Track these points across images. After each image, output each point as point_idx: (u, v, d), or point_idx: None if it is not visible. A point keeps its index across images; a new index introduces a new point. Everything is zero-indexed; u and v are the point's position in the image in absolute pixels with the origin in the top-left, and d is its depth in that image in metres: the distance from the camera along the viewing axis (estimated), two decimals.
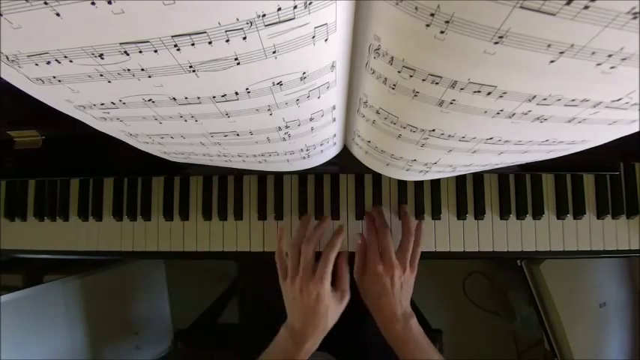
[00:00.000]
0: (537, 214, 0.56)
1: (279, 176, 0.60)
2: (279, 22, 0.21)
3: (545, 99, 0.26)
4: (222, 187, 0.60)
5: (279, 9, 0.20)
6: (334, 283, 0.52)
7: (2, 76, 0.25)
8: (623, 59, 0.21)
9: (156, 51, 0.22)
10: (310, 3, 0.21)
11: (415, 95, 0.28)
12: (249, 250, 0.59)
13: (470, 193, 0.58)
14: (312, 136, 0.37)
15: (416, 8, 0.21)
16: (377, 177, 0.58)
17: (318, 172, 0.57)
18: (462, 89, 0.26)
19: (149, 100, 0.28)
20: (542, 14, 0.19)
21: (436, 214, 0.57)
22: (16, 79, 0.26)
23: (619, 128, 0.30)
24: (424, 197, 0.58)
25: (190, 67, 0.24)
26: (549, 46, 0.21)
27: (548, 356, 0.93)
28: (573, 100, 0.26)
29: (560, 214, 0.56)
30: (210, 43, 0.22)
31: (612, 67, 0.22)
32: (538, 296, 0.91)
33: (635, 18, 0.18)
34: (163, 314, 1.27)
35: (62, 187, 0.63)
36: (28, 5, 0.19)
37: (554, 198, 0.57)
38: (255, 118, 0.31)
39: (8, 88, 0.26)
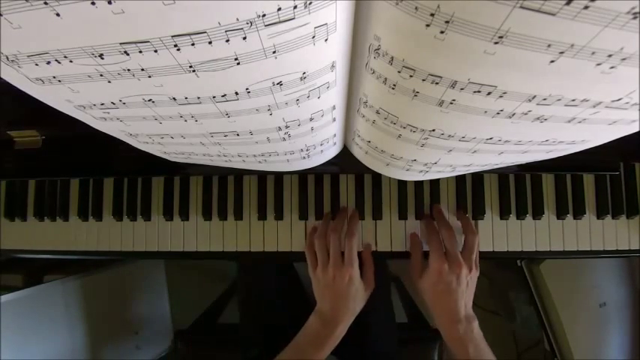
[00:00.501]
0: (537, 214, 0.56)
1: (279, 176, 0.60)
2: (279, 22, 0.21)
3: (545, 99, 0.26)
4: (222, 187, 0.60)
5: (279, 9, 0.20)
6: (361, 274, 0.55)
7: (2, 76, 0.25)
8: (623, 59, 0.21)
9: (156, 51, 0.22)
10: (310, 3, 0.21)
11: (415, 95, 0.28)
12: (249, 250, 0.59)
13: (470, 193, 0.58)
14: (312, 136, 0.37)
15: (416, 8, 0.21)
16: (377, 177, 0.58)
17: (318, 172, 0.57)
18: (462, 89, 0.26)
19: (149, 100, 0.28)
20: (542, 14, 0.19)
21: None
22: (16, 79, 0.26)
23: (619, 128, 0.30)
24: (424, 197, 0.58)
25: (190, 67, 0.24)
26: (549, 46, 0.21)
27: (548, 356, 0.93)
28: (573, 100, 0.26)
29: (560, 214, 0.56)
30: (210, 43, 0.22)
31: (612, 67, 0.22)
32: (538, 296, 0.91)
33: (635, 18, 0.18)
34: (163, 314, 1.28)
35: (62, 187, 0.63)
36: (28, 5, 0.19)
37: (554, 198, 0.57)
38: (255, 118, 0.31)
39: (8, 88, 0.26)
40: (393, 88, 0.28)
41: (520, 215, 0.57)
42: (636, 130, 0.30)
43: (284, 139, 0.36)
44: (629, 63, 0.21)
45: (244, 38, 0.22)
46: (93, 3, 0.19)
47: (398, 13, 0.22)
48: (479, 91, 0.26)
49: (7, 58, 0.23)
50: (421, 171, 0.42)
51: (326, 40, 0.24)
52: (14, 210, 0.64)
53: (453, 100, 0.27)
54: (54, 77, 0.25)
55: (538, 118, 0.28)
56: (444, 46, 0.22)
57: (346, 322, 0.53)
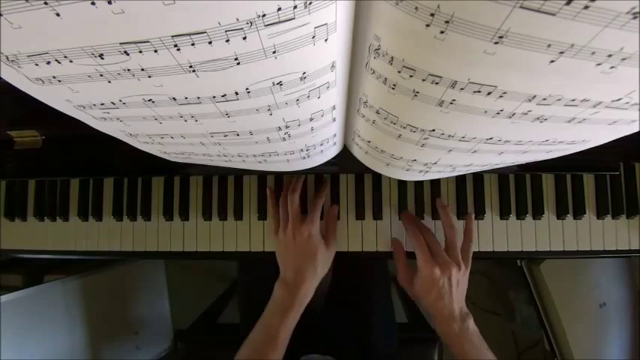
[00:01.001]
0: (537, 214, 0.56)
1: (279, 176, 0.60)
2: (279, 22, 0.21)
3: (545, 99, 0.26)
4: (222, 187, 0.60)
5: (279, 9, 0.20)
6: (323, 234, 0.55)
7: (2, 76, 0.25)
8: (623, 59, 0.21)
9: (156, 51, 0.22)
10: (310, 3, 0.21)
11: (415, 95, 0.28)
12: (249, 250, 0.59)
13: (470, 193, 0.58)
14: (312, 136, 0.37)
15: (416, 8, 0.21)
16: (377, 177, 0.58)
17: (318, 172, 0.57)
18: (462, 89, 0.26)
19: (149, 100, 0.28)
20: (542, 14, 0.19)
21: (436, 214, 0.57)
22: (16, 79, 0.26)
23: (619, 128, 0.30)
24: (424, 197, 0.58)
25: (190, 67, 0.24)
26: (549, 46, 0.21)
27: (548, 356, 0.93)
28: (573, 100, 0.26)
29: (560, 214, 0.56)
30: (210, 43, 0.22)
31: (612, 67, 0.22)
32: (538, 296, 0.91)
33: (635, 18, 0.18)
34: (163, 314, 1.28)
35: (62, 187, 0.63)
36: (28, 5, 0.19)
37: (554, 198, 0.57)
38: (255, 118, 0.31)
39: (8, 88, 0.26)
40: (393, 88, 0.28)
41: (520, 215, 0.57)
42: (636, 130, 0.30)
43: (284, 139, 0.36)
44: (629, 63, 0.21)
45: (244, 38, 0.22)
46: (93, 3, 0.19)
47: (398, 13, 0.22)
48: (479, 91, 0.25)
49: (7, 58, 0.23)
50: (421, 171, 0.42)
51: (326, 40, 0.24)
52: (14, 210, 0.64)
53: (453, 100, 0.27)
54: (54, 77, 0.25)
55: (538, 118, 0.28)
56: (444, 46, 0.22)
57: (309, 284, 0.52)
